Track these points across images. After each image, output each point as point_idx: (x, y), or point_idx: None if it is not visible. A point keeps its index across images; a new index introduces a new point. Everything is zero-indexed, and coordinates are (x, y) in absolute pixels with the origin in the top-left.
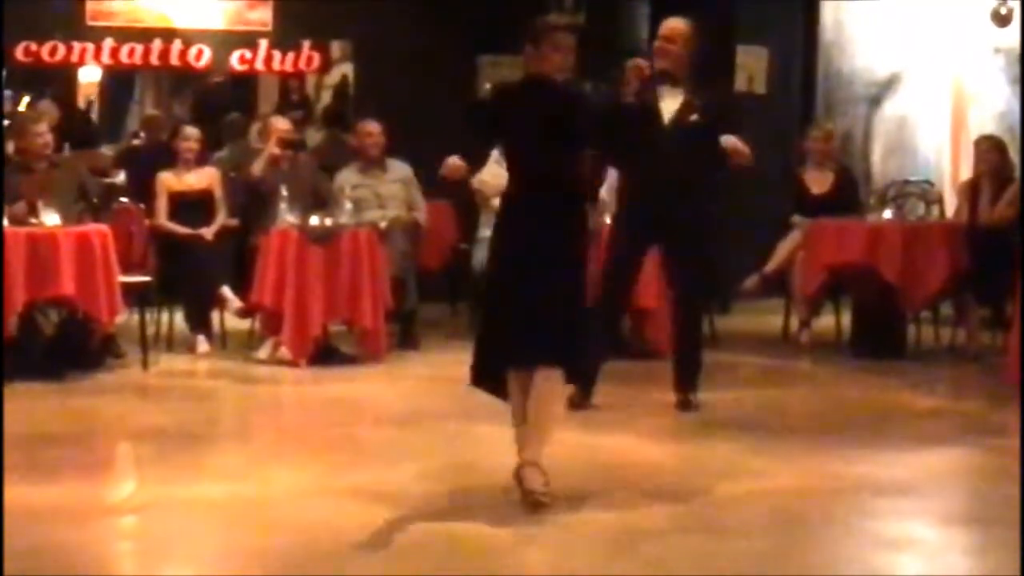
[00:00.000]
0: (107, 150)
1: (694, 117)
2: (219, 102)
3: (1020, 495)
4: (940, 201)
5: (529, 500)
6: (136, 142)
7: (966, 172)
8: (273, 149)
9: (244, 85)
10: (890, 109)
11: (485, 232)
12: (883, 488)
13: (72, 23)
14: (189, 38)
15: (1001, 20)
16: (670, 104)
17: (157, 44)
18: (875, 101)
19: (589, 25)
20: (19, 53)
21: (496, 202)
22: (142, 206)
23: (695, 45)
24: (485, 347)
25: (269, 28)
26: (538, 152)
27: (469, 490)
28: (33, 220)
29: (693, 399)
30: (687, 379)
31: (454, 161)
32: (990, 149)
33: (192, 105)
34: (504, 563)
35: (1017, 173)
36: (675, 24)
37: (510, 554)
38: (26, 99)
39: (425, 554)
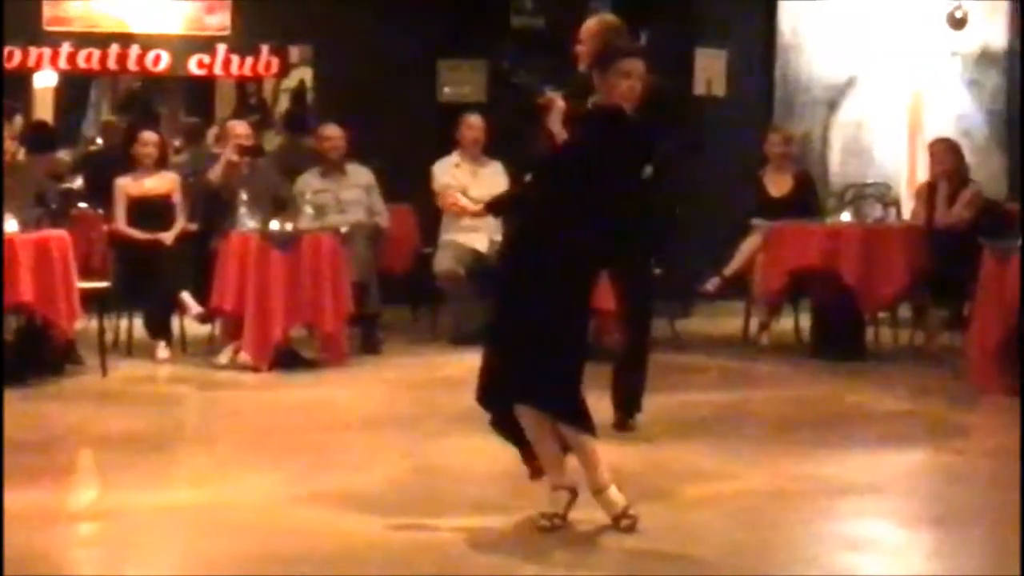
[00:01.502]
0: (64, 155)
1: None
2: (143, 104)
3: (1020, 496)
4: (897, 203)
5: (622, 524)
6: (93, 147)
7: (923, 174)
8: (231, 156)
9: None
10: (847, 112)
11: (447, 236)
12: (845, 489)
13: (29, 28)
14: (147, 43)
15: (956, 24)
16: None
17: (115, 49)
18: (832, 105)
19: (549, 29)
20: None
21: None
22: (100, 211)
23: (605, 40)
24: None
25: (228, 32)
26: (607, 187)
27: (435, 494)
28: None
29: (632, 421)
30: (628, 398)
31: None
32: (946, 151)
33: (117, 108)
34: (470, 565)
35: (974, 175)
36: (586, 24)
37: (476, 556)
38: None
39: (392, 558)
